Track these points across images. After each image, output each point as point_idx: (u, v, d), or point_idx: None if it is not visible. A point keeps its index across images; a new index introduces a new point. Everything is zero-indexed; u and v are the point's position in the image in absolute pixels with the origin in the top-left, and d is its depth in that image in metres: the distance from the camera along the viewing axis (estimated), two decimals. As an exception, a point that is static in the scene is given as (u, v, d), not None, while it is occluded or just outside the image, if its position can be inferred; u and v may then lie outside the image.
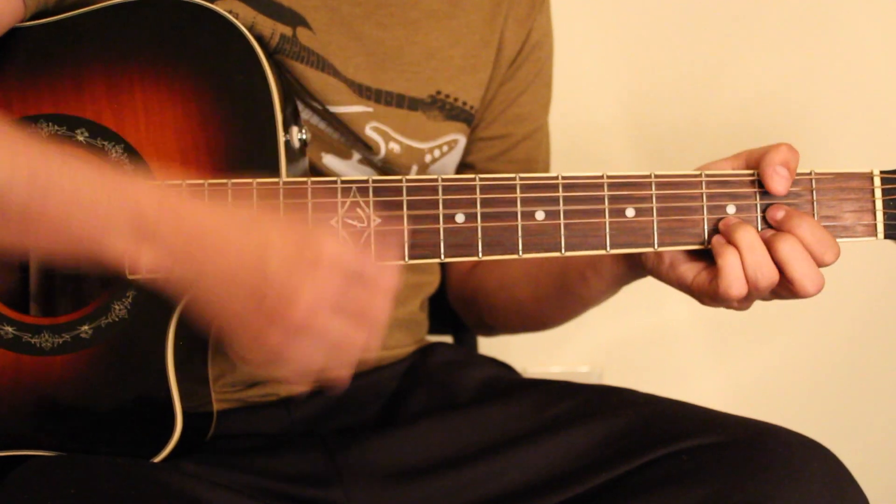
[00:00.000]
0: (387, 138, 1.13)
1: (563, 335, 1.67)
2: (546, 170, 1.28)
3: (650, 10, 1.63)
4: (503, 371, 1.24)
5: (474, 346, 1.39)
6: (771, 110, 1.61)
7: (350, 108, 1.10)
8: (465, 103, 1.16)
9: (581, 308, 1.19)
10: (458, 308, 1.31)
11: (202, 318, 0.90)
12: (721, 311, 1.66)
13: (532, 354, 1.67)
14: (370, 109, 1.11)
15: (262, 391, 1.14)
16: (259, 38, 1.03)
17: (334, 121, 1.11)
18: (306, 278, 0.85)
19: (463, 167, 1.23)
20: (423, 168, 1.16)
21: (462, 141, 1.18)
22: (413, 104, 1.13)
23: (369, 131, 1.12)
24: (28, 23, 0.99)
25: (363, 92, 1.11)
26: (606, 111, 1.64)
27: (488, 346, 1.40)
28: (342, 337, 0.87)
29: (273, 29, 1.05)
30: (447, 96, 1.15)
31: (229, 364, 1.11)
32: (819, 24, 1.61)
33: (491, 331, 1.33)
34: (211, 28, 0.98)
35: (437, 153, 1.16)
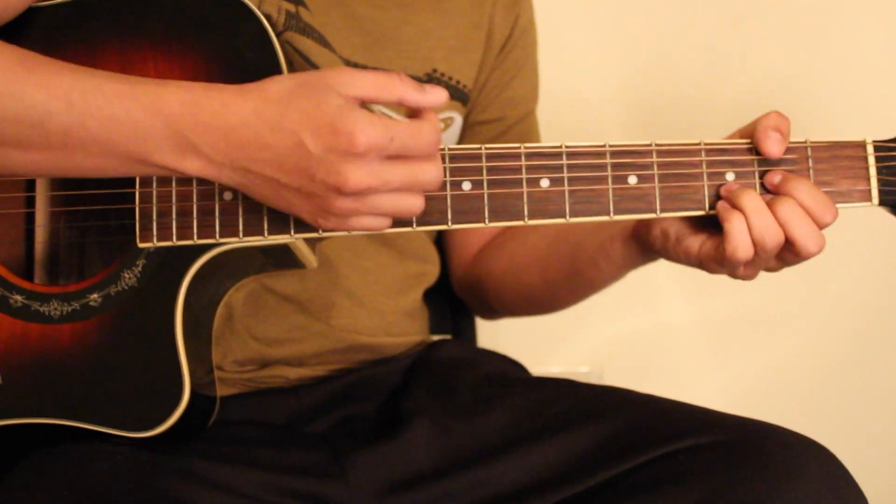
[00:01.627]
0: None
1: (563, 335, 1.68)
2: None
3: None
4: (508, 367, 1.24)
5: (473, 344, 1.39)
6: (769, 90, 1.63)
7: None
8: (458, 82, 1.19)
9: (591, 292, 1.20)
10: (462, 293, 1.32)
11: (267, 204, 0.93)
12: (721, 311, 1.67)
13: (532, 354, 1.65)
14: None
15: (271, 373, 1.14)
16: (266, 17, 1.05)
17: None
18: (346, 161, 0.87)
19: None
20: None
21: (458, 120, 1.21)
22: None
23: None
24: (41, 3, 1.01)
25: None
26: (603, 93, 1.65)
27: (488, 347, 1.39)
28: (402, 180, 0.89)
29: (279, 6, 1.09)
30: (442, 75, 1.18)
31: (237, 339, 1.12)
32: (815, 3, 1.64)
33: (495, 314, 1.33)
34: (222, 7, 1.00)
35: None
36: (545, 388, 1.14)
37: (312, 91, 0.89)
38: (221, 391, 1.07)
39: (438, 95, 0.91)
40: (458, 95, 1.20)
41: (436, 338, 1.29)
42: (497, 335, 1.56)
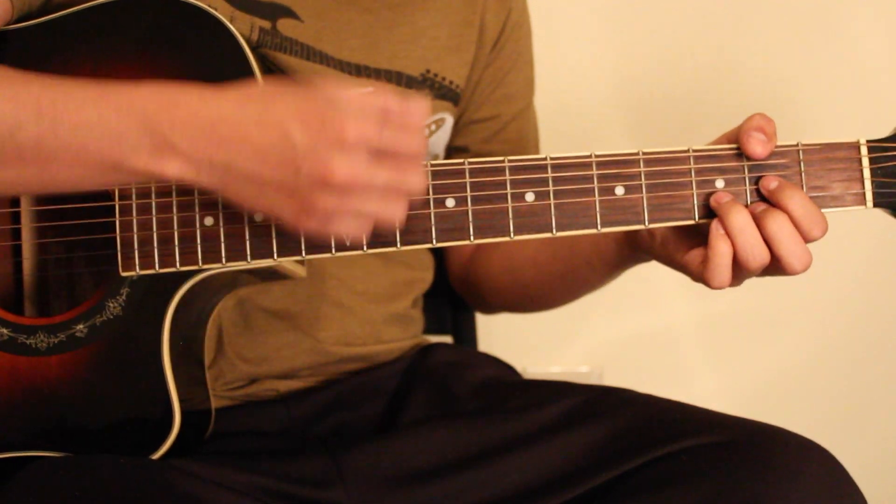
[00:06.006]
0: None
1: (563, 335, 1.67)
2: (537, 147, 1.30)
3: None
4: (503, 371, 1.24)
5: (474, 346, 1.39)
6: (764, 84, 1.61)
7: None
8: (451, 82, 1.18)
9: (586, 291, 1.20)
10: (459, 289, 1.32)
11: (244, 209, 0.90)
12: (721, 312, 1.66)
13: (532, 354, 1.66)
14: (369, 89, 1.12)
15: (261, 387, 1.14)
16: None
17: None
18: (335, 152, 0.85)
19: (456, 151, 1.24)
20: None
21: (449, 120, 1.20)
22: (409, 83, 1.15)
23: None
24: (14, 25, 1.00)
25: (361, 72, 1.13)
26: (598, 91, 1.64)
27: (488, 347, 1.39)
28: (388, 180, 0.87)
29: (251, 24, 1.07)
30: (436, 75, 1.17)
31: (227, 363, 1.12)
32: (810, 4, 1.62)
33: (492, 310, 1.34)
34: (197, 25, 0.99)
35: (426, 132, 1.18)
36: (545, 388, 1.13)
37: (299, 87, 0.87)
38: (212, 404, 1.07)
39: (422, 104, 0.89)
40: (451, 96, 1.19)
41: (434, 339, 1.29)
42: (497, 335, 1.55)
